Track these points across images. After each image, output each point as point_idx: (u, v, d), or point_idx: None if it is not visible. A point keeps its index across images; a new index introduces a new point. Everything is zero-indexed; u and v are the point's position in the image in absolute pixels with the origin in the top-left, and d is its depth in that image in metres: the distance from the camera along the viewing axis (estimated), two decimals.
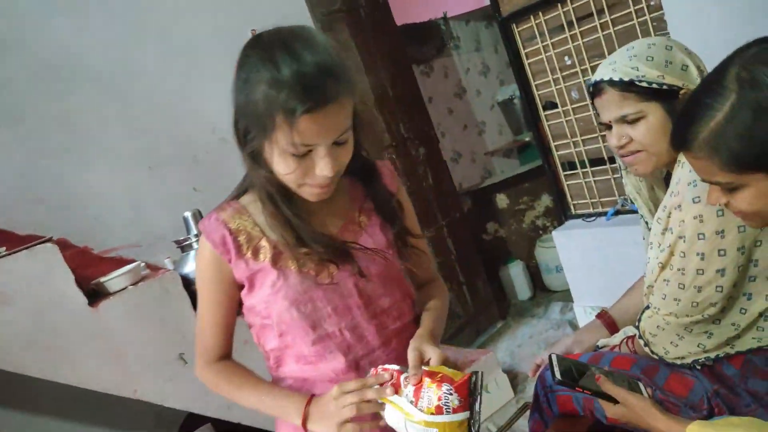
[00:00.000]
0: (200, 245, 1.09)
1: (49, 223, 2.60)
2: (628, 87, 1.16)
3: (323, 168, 0.93)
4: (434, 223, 3.28)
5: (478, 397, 0.85)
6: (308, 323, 1.06)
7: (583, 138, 2.82)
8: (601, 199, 2.90)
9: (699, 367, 1.21)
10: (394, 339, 1.11)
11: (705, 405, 1.18)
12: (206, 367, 1.13)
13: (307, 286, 1.04)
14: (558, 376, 1.09)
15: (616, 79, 1.17)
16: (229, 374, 1.12)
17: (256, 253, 1.05)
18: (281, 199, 1.02)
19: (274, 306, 1.05)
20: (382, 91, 3.11)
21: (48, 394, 2.31)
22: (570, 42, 2.66)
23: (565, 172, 3.01)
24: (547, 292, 3.88)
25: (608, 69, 1.19)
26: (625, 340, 1.36)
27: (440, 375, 0.87)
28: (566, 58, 2.73)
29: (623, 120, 1.19)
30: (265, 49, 0.92)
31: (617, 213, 2.82)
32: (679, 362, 1.21)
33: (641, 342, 1.25)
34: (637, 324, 1.27)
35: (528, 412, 2.60)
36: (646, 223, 1.35)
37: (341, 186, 1.10)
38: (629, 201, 2.75)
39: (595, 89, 1.22)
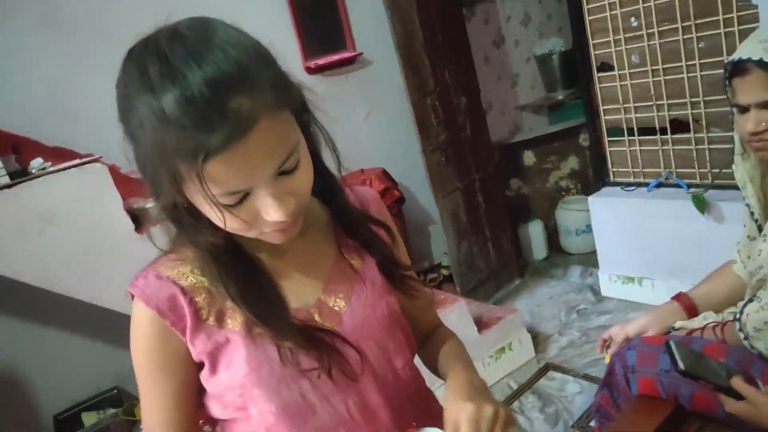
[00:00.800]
0: (135, 315, 0.77)
1: (77, 138, 2.51)
2: None
3: (270, 213, 0.67)
4: (467, 176, 3.22)
5: None
6: (306, 406, 0.78)
7: (635, 105, 2.75)
8: (644, 170, 2.85)
9: None
10: (408, 411, 0.86)
11: None
12: None
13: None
14: (681, 366, 1.08)
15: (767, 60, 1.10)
16: None
17: (221, 318, 0.77)
18: (226, 269, 0.75)
19: (254, 391, 0.76)
20: (431, 33, 2.99)
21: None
22: (641, 2, 2.55)
23: (610, 138, 2.95)
24: (562, 253, 3.88)
25: (758, 47, 1.11)
26: (712, 327, 1.34)
27: None
28: (632, 19, 2.62)
29: (767, 105, 1.13)
30: (140, 66, 0.63)
31: (659, 185, 2.78)
32: None
33: (741, 335, 1.23)
34: (738, 316, 1.24)
35: (549, 374, 2.65)
36: (752, 213, 1.30)
37: (316, 213, 0.87)
38: (674, 174, 2.73)
39: (737, 68, 1.15)
